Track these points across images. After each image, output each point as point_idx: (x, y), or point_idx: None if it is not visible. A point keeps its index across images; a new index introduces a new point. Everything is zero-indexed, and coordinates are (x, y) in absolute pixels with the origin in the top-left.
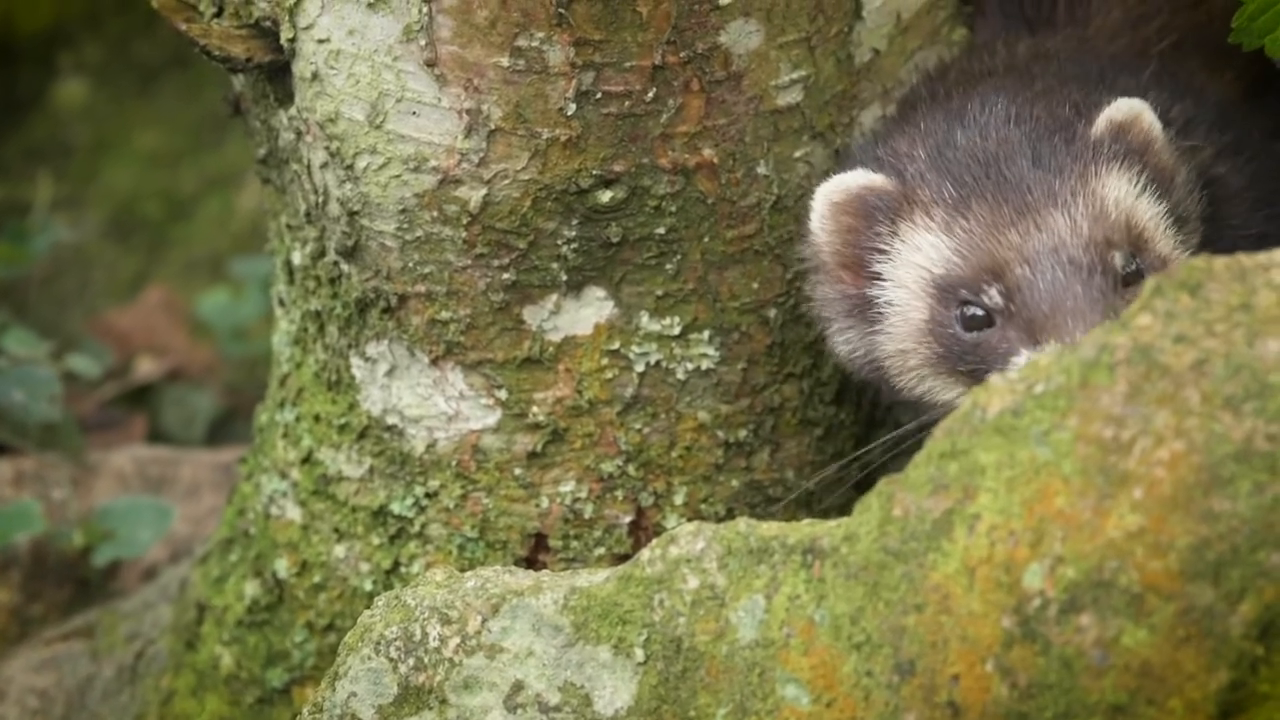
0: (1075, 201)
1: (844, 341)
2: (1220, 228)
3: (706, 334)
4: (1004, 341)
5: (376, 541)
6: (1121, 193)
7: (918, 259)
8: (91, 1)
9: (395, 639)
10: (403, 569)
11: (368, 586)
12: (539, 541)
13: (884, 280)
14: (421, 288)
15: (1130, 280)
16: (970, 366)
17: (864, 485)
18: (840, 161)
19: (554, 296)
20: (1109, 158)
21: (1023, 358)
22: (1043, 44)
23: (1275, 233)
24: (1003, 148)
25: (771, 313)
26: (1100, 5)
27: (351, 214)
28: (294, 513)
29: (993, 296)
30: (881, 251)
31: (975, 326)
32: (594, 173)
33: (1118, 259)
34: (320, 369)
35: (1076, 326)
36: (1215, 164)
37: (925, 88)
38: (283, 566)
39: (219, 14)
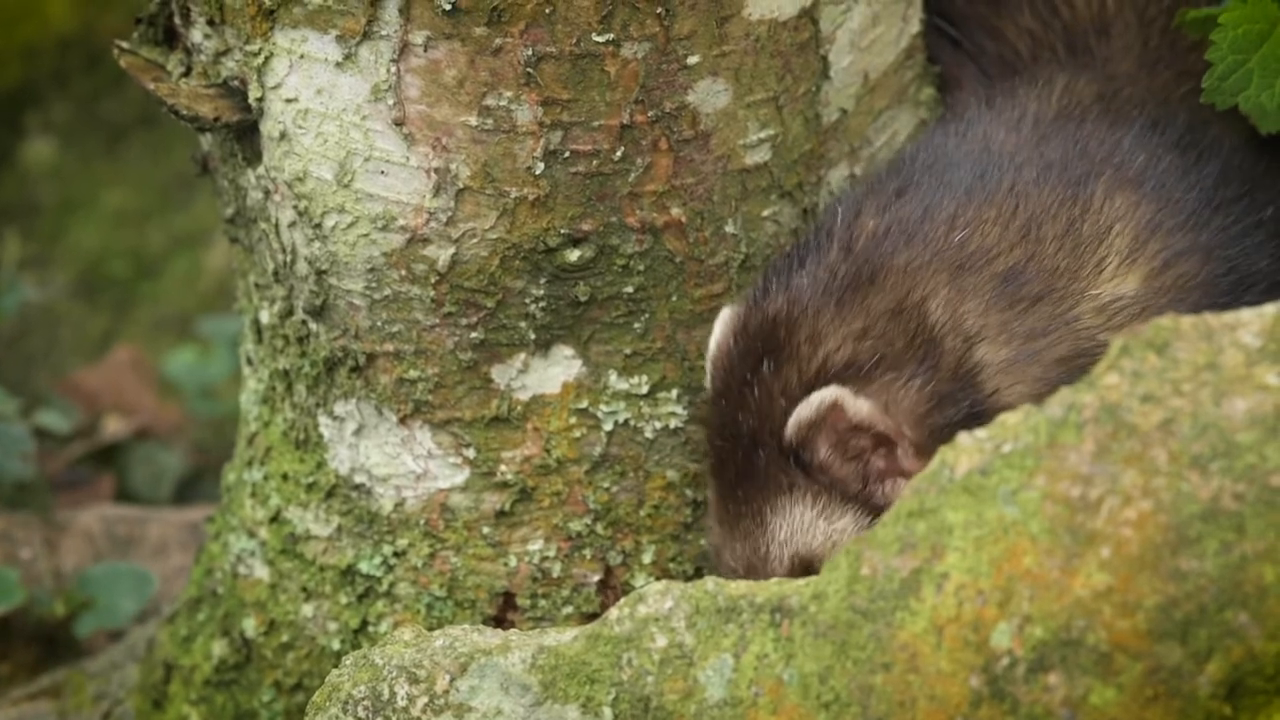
0: (744, 544)
1: None
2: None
3: (675, 393)
4: None
5: (344, 600)
6: (791, 528)
7: None
8: (59, 61)
9: (363, 698)
10: (371, 628)
11: (335, 645)
12: (507, 600)
13: None
14: (389, 346)
15: None
16: None
17: None
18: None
19: (522, 355)
20: (790, 482)
21: None
22: (1076, 89)
23: None
24: (759, 429)
25: None
26: (1107, 53)
27: (319, 273)
28: (262, 572)
29: None
30: None
31: None
32: (562, 232)
33: None
34: (288, 428)
35: None
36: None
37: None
38: (250, 626)
39: (187, 73)
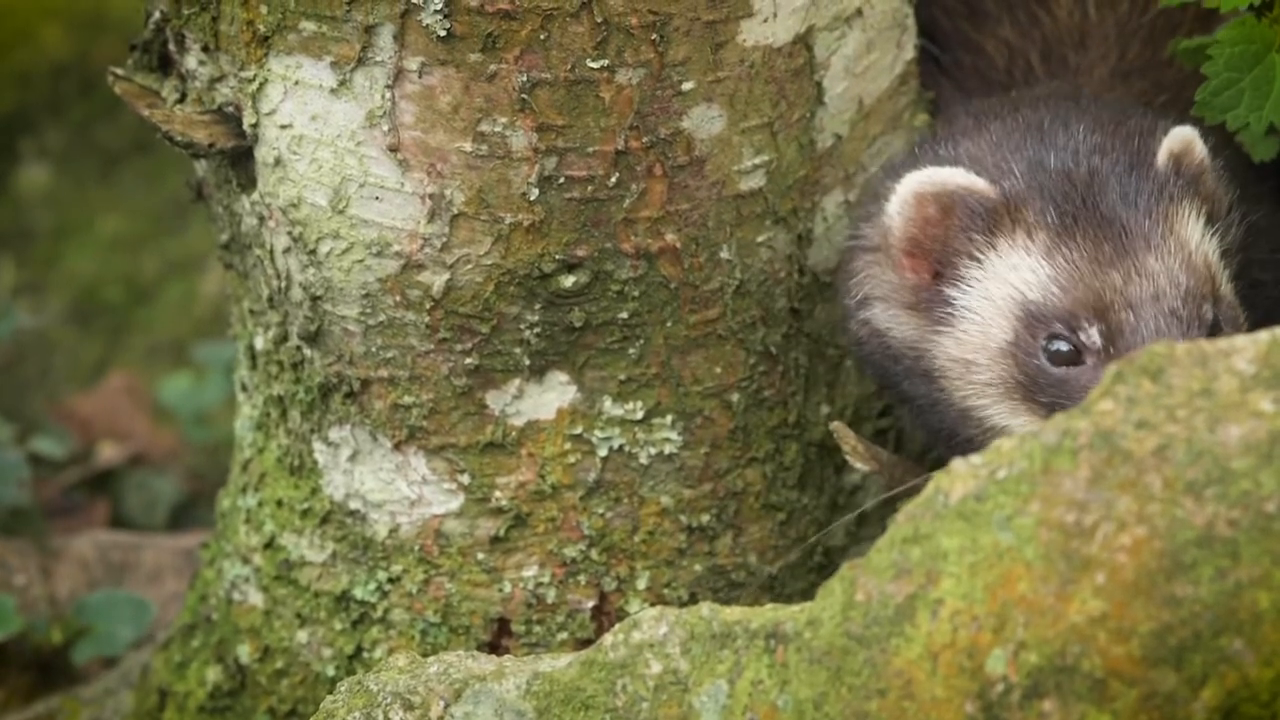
0: (1167, 247)
1: (888, 323)
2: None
3: (669, 418)
4: (1094, 382)
5: (339, 627)
6: (1198, 236)
7: (1012, 279)
8: (54, 87)
9: None
10: (365, 654)
11: (330, 672)
12: (502, 626)
13: (967, 286)
14: (384, 372)
15: (1211, 333)
16: (1050, 399)
17: (827, 569)
18: (908, 154)
19: (517, 381)
20: (1180, 196)
21: None
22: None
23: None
24: (1095, 179)
25: (734, 397)
26: (1081, 63)
27: (314, 299)
28: (256, 598)
29: (1091, 336)
30: (972, 258)
31: (1062, 362)
32: (557, 257)
33: (1209, 311)
34: (283, 454)
35: None
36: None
37: (972, 108)
38: (245, 652)
39: (182, 100)
